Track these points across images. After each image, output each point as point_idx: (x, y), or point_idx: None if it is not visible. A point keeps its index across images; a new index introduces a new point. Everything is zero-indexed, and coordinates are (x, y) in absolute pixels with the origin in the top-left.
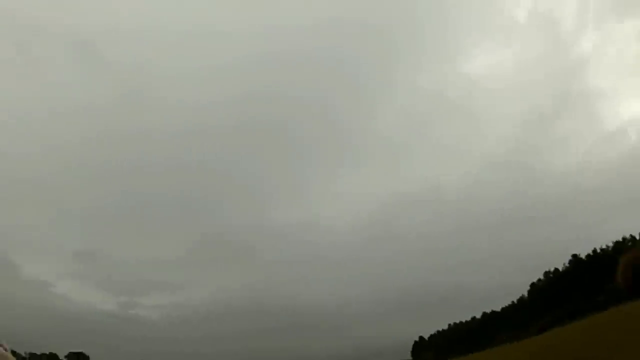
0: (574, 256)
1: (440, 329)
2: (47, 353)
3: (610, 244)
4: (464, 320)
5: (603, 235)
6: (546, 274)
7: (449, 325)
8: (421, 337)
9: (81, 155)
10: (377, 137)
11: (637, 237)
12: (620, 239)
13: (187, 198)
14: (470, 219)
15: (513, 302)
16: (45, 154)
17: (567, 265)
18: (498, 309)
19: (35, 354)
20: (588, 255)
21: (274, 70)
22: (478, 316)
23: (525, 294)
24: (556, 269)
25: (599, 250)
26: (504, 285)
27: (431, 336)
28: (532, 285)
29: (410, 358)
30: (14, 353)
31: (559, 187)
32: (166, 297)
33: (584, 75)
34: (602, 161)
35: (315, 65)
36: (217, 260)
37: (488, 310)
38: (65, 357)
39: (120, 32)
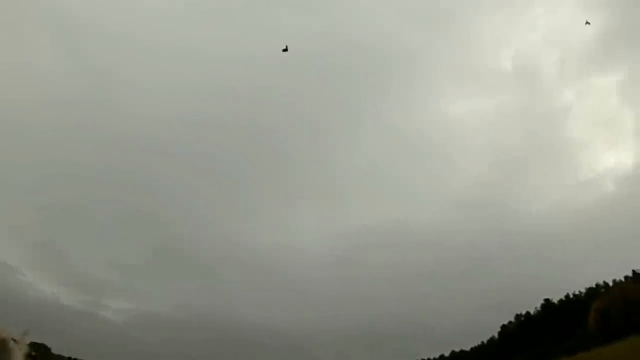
0: (546, 300)
1: None
2: None
3: (583, 290)
4: (431, 358)
5: (576, 280)
6: (517, 316)
7: None
8: None
9: (52, 148)
10: (351, 172)
11: (610, 284)
12: (593, 285)
13: (154, 215)
14: (443, 257)
15: (483, 342)
16: (16, 142)
17: (538, 309)
18: (467, 348)
19: None
20: (560, 300)
21: (251, 96)
22: (446, 354)
23: (496, 335)
24: (527, 312)
25: (571, 296)
26: (474, 325)
27: None
28: (503, 327)
29: None
30: None
31: (534, 230)
32: (131, 302)
33: (563, 124)
34: (577, 208)
35: (292, 97)
36: (183, 273)
37: (457, 349)
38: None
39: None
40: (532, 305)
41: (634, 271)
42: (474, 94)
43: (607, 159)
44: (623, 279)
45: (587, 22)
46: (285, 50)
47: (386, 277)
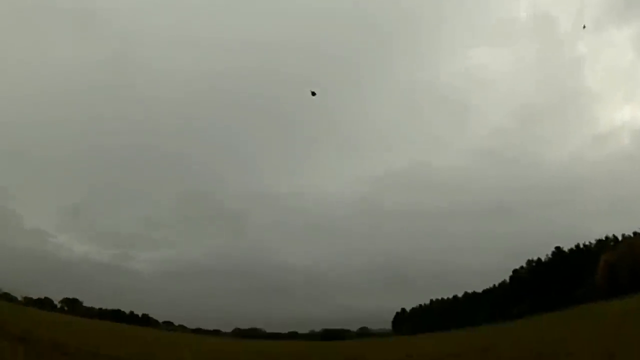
0: (557, 248)
1: (422, 303)
2: (43, 298)
3: (593, 241)
4: (445, 297)
5: (586, 231)
6: (529, 262)
7: (431, 300)
8: (403, 309)
9: (76, 114)
10: (371, 121)
11: (620, 238)
12: (603, 238)
13: (179, 163)
14: (460, 201)
15: (494, 285)
16: (42, 112)
17: (549, 256)
18: (479, 290)
19: (31, 298)
20: (571, 249)
21: (273, 49)
22: (459, 295)
23: (507, 279)
24: (539, 259)
25: (581, 246)
26: (487, 268)
27: (412, 309)
28: (514, 271)
29: (391, 328)
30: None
31: (548, 179)
32: (159, 252)
33: (580, 76)
34: (592, 160)
35: (317, 51)
36: (208, 221)
37: (469, 291)
38: (60, 302)
39: None
40: (544, 252)
41: None
42: (493, 44)
43: (623, 113)
44: (632, 235)
45: (584, 26)
46: (314, 94)
47: (405, 217)
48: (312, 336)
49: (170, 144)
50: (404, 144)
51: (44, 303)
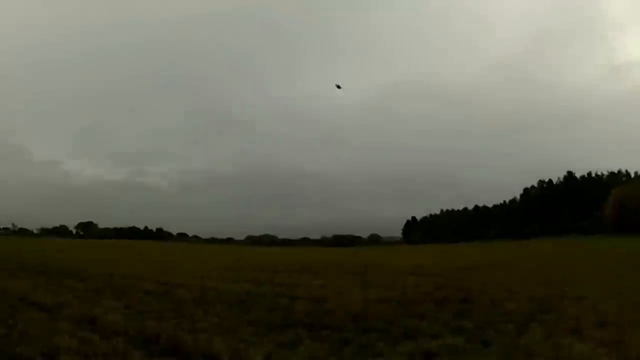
0: (569, 173)
1: (433, 213)
2: (58, 226)
3: (605, 173)
4: (456, 209)
5: (598, 162)
6: (540, 182)
7: (441, 210)
8: (413, 218)
9: (78, 42)
10: (385, 27)
11: (632, 175)
12: (616, 171)
13: (186, 77)
14: (472, 116)
15: (505, 202)
16: (44, 42)
17: (561, 179)
18: (490, 205)
19: (47, 228)
20: (582, 177)
21: None
22: (470, 208)
23: (518, 197)
24: (550, 180)
25: (593, 175)
26: (498, 183)
27: (423, 218)
28: (525, 190)
29: (401, 236)
30: (24, 230)
31: (564, 105)
32: (172, 165)
33: (601, 4)
34: (608, 92)
35: None
36: (218, 132)
37: (480, 204)
38: (75, 227)
39: None
40: (554, 175)
41: None
42: None
43: None
44: None
45: None
46: (339, 87)
47: (417, 128)
48: (323, 242)
49: (173, 63)
50: (415, 53)
51: (60, 231)
